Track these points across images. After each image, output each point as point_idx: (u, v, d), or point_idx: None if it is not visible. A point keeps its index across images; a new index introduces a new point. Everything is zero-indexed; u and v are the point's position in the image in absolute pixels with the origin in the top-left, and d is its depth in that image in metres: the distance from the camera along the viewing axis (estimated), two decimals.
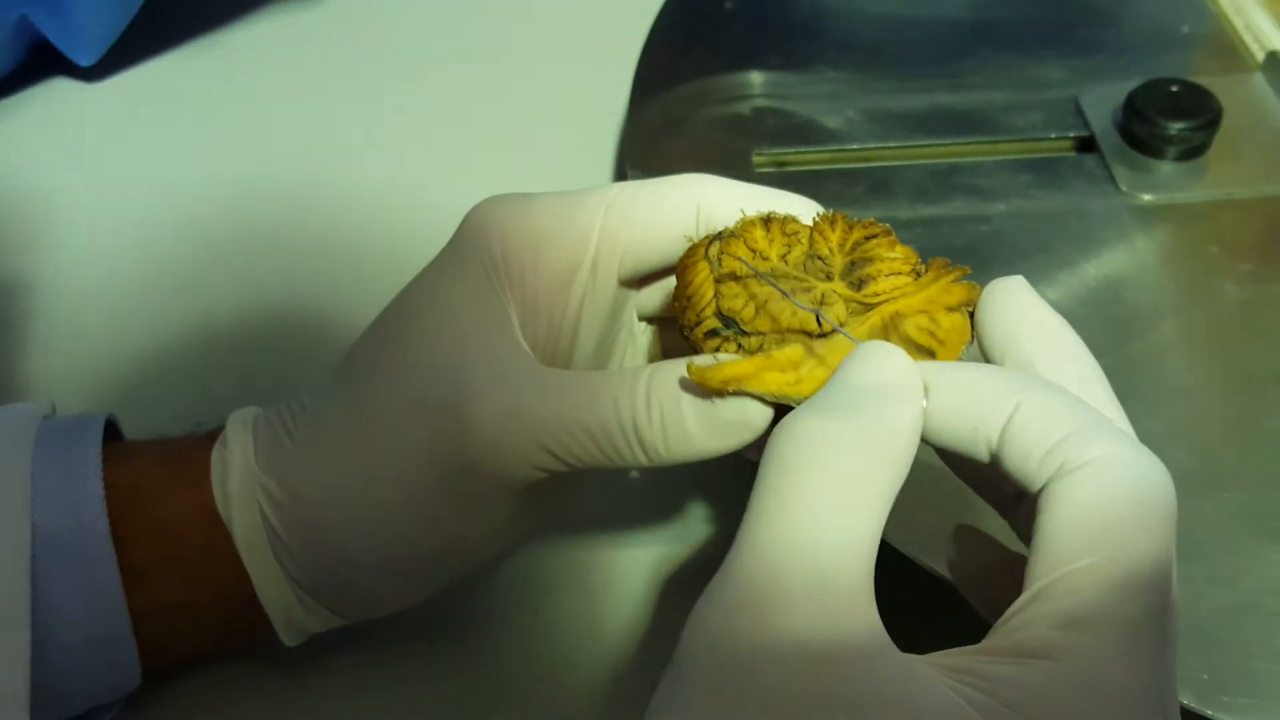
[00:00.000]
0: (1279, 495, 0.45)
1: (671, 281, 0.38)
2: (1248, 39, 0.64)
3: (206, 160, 0.68)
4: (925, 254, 0.37)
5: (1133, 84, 0.59)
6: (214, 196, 0.65)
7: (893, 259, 0.35)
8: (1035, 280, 0.52)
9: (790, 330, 0.34)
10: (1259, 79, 0.61)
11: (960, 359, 0.34)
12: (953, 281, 0.35)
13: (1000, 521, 0.37)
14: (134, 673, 0.41)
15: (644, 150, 0.60)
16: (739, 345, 0.35)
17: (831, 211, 0.37)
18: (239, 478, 0.40)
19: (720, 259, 0.36)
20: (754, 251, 0.36)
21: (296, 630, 0.42)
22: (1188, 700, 0.40)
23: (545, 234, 0.39)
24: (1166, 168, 0.58)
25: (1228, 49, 0.65)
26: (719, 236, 0.37)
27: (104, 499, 0.40)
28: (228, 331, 0.59)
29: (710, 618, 0.29)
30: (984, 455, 0.32)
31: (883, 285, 0.35)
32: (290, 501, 0.39)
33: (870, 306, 0.35)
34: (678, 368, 0.35)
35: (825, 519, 0.29)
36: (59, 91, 0.72)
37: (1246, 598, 0.42)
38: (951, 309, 0.35)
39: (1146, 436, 0.32)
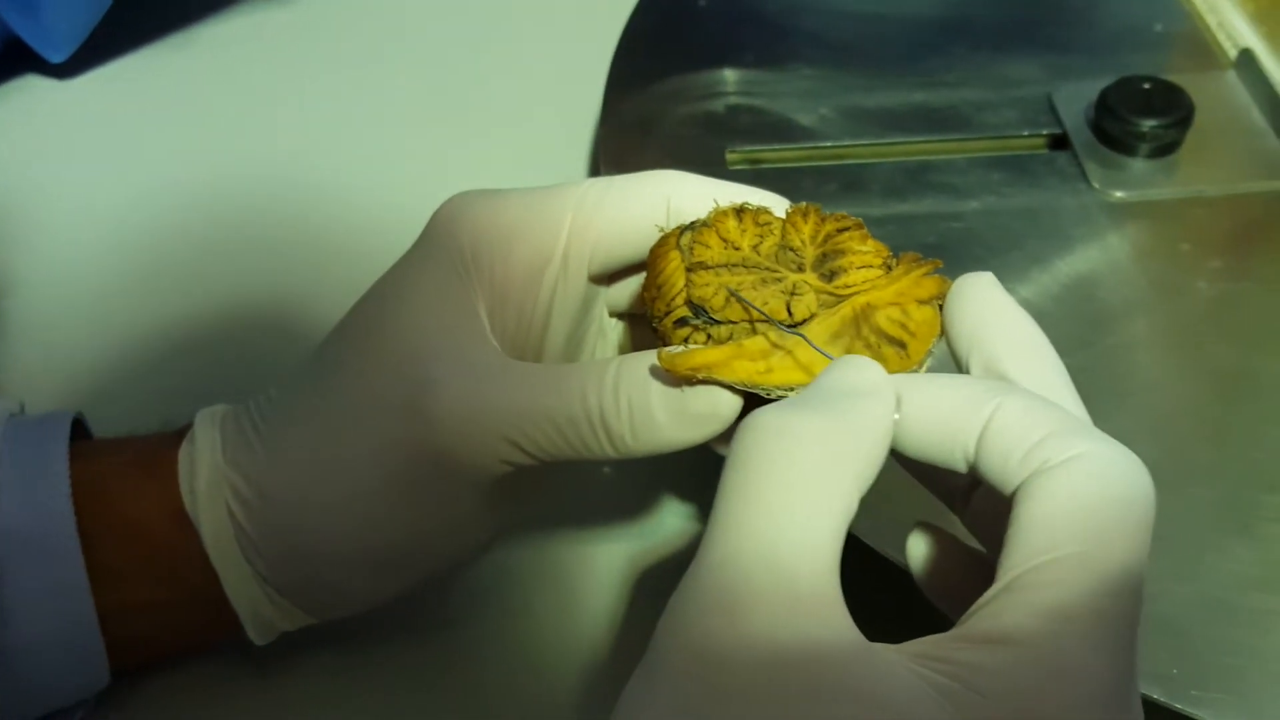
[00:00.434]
0: (1247, 491, 0.45)
1: (641, 277, 0.38)
2: (1220, 37, 0.65)
3: (180, 157, 0.68)
4: (898, 251, 0.37)
5: (1106, 82, 0.59)
6: (187, 193, 0.65)
7: (864, 252, 0.35)
8: (1007, 277, 0.52)
9: (759, 320, 0.34)
10: (1231, 76, 0.62)
11: (930, 352, 0.34)
12: (924, 275, 0.35)
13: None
14: (102, 672, 0.41)
15: (618, 148, 0.60)
16: (708, 335, 0.35)
17: (804, 204, 0.37)
18: (206, 475, 0.40)
19: (692, 248, 0.36)
20: (726, 241, 0.36)
21: (266, 629, 0.42)
22: (1157, 695, 0.40)
23: (516, 229, 0.39)
24: (1139, 165, 0.58)
25: (1201, 47, 0.65)
26: (691, 226, 0.37)
27: (70, 497, 0.39)
28: (201, 329, 0.59)
29: (682, 615, 0.28)
30: (961, 465, 0.32)
31: (854, 277, 0.35)
32: (257, 499, 0.39)
33: (841, 298, 0.35)
34: (647, 359, 0.35)
35: (791, 514, 0.29)
36: (30, 89, 0.72)
37: (1215, 593, 0.42)
38: (923, 302, 0.35)
39: (1116, 432, 0.32)
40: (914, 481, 0.38)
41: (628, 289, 0.42)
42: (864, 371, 0.32)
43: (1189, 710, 0.40)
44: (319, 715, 0.46)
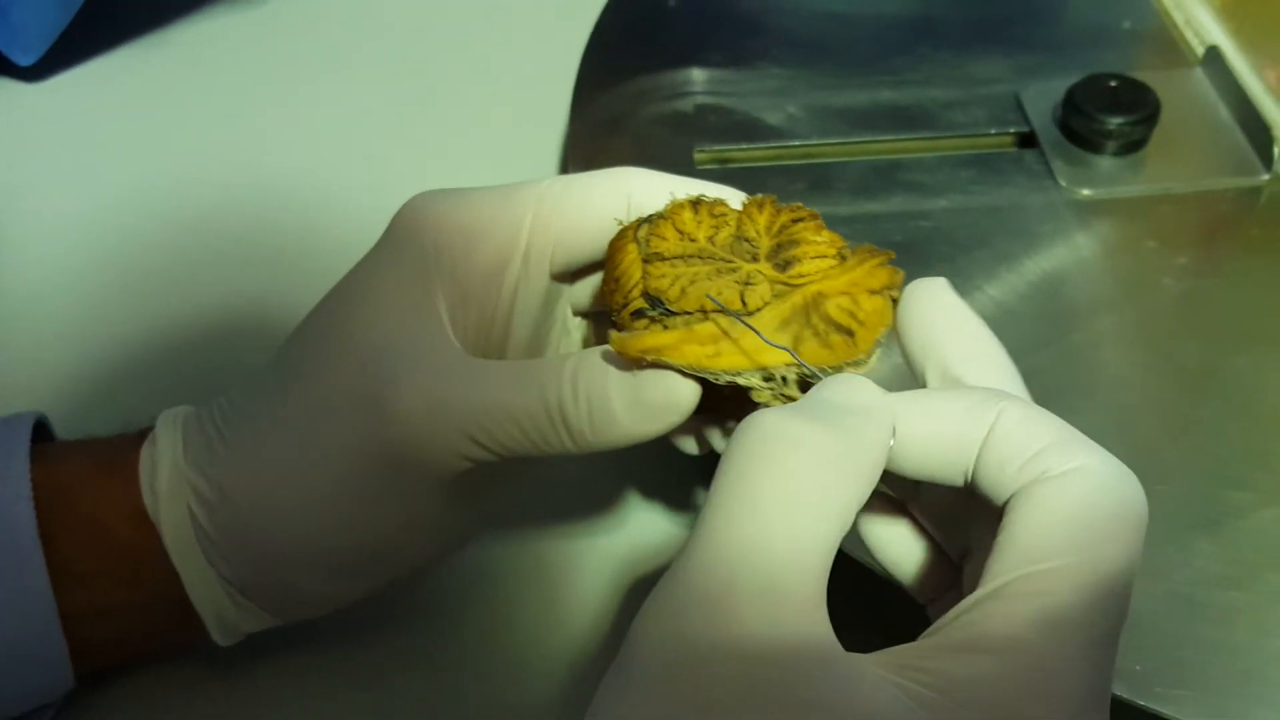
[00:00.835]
0: (1212, 488, 0.45)
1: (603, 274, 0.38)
2: (1188, 34, 0.65)
3: (151, 160, 0.67)
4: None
5: (1073, 80, 0.59)
6: (158, 196, 0.65)
7: (818, 242, 0.36)
8: (975, 275, 0.53)
9: (714, 310, 0.35)
10: (1198, 73, 0.62)
11: (878, 341, 0.34)
12: (877, 265, 0.35)
13: None
14: (66, 675, 0.41)
15: (587, 148, 0.60)
16: (664, 326, 0.35)
17: (761, 195, 0.37)
18: (167, 476, 0.40)
19: (649, 240, 0.36)
20: (682, 233, 0.36)
21: (230, 630, 0.42)
22: (1121, 692, 0.40)
23: (477, 227, 0.39)
24: (1106, 163, 0.58)
25: (1168, 44, 0.65)
26: (649, 219, 0.37)
27: (31, 500, 0.39)
28: (173, 332, 0.58)
29: (660, 615, 0.28)
30: (959, 481, 0.32)
31: (807, 267, 0.35)
32: (218, 499, 0.39)
33: (795, 287, 0.35)
34: (606, 350, 0.35)
35: (786, 523, 0.28)
36: None
37: (1179, 589, 0.42)
38: (874, 292, 0.35)
39: (1082, 428, 0.32)
40: None
41: (590, 286, 0.42)
42: (862, 390, 0.32)
43: (1153, 707, 0.40)
44: (288, 716, 0.46)
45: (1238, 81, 0.60)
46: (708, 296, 0.34)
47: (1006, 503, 0.31)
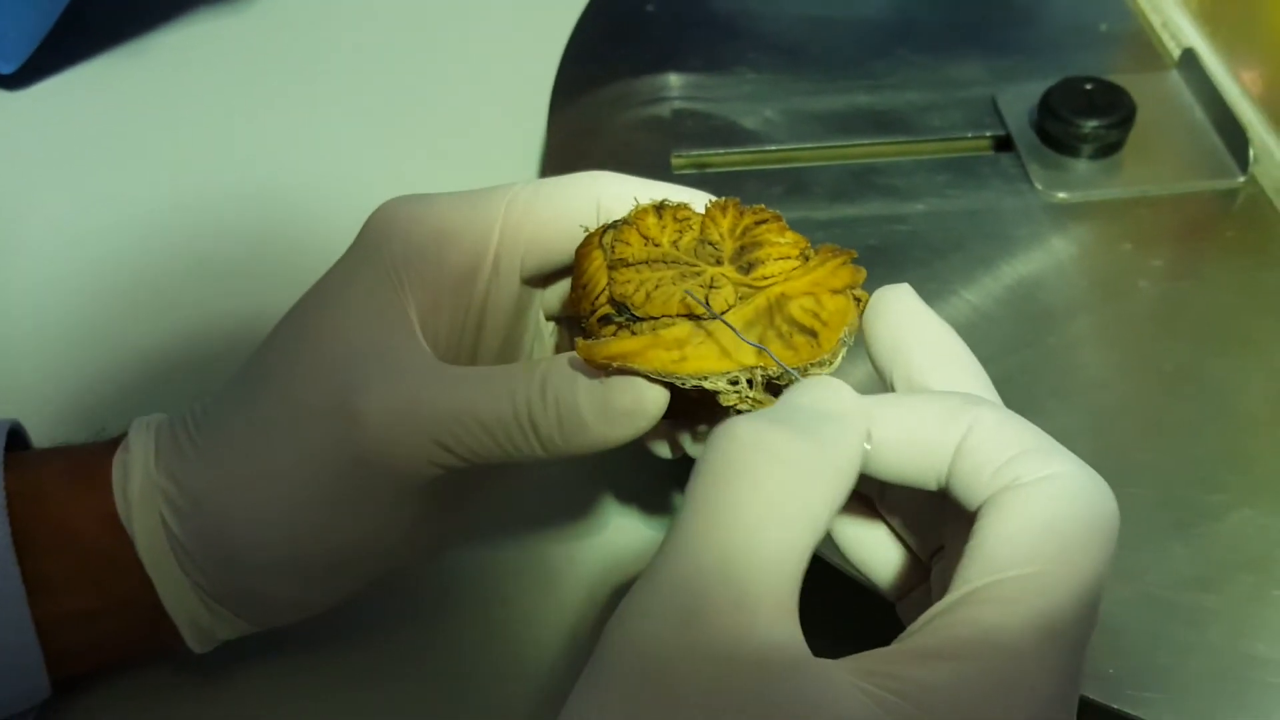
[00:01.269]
0: (1187, 490, 0.45)
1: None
2: (1164, 36, 0.65)
3: (132, 166, 0.67)
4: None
5: (1050, 83, 0.59)
6: (141, 202, 0.65)
7: (782, 244, 0.36)
8: (951, 279, 0.53)
9: (680, 315, 0.35)
10: (1174, 76, 0.62)
11: (841, 339, 0.35)
12: (839, 265, 0.35)
13: None
14: (41, 682, 0.41)
15: (565, 153, 0.60)
16: (632, 331, 0.35)
17: (724, 198, 0.37)
18: (139, 483, 0.40)
19: (613, 246, 0.36)
20: (646, 238, 0.36)
21: (205, 637, 0.42)
22: (1094, 695, 0.40)
23: (447, 232, 0.39)
24: (1082, 166, 0.58)
25: (1145, 47, 0.65)
26: (614, 225, 0.37)
27: (4, 507, 0.39)
28: (150, 339, 0.58)
29: (634, 620, 0.28)
30: (933, 485, 0.32)
31: (771, 269, 0.35)
32: (189, 506, 0.39)
33: (759, 289, 0.35)
34: (573, 357, 0.35)
35: (758, 531, 0.28)
36: None
37: (1152, 591, 0.43)
38: (837, 291, 0.35)
39: (1056, 430, 0.32)
40: None
41: (562, 291, 0.42)
42: (837, 394, 0.32)
43: (1126, 709, 0.40)
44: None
45: (1213, 84, 0.60)
46: (687, 294, 0.34)
47: (979, 508, 0.31)
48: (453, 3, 0.77)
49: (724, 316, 0.34)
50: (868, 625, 0.36)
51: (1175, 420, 0.48)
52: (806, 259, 0.36)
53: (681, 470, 0.47)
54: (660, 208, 0.37)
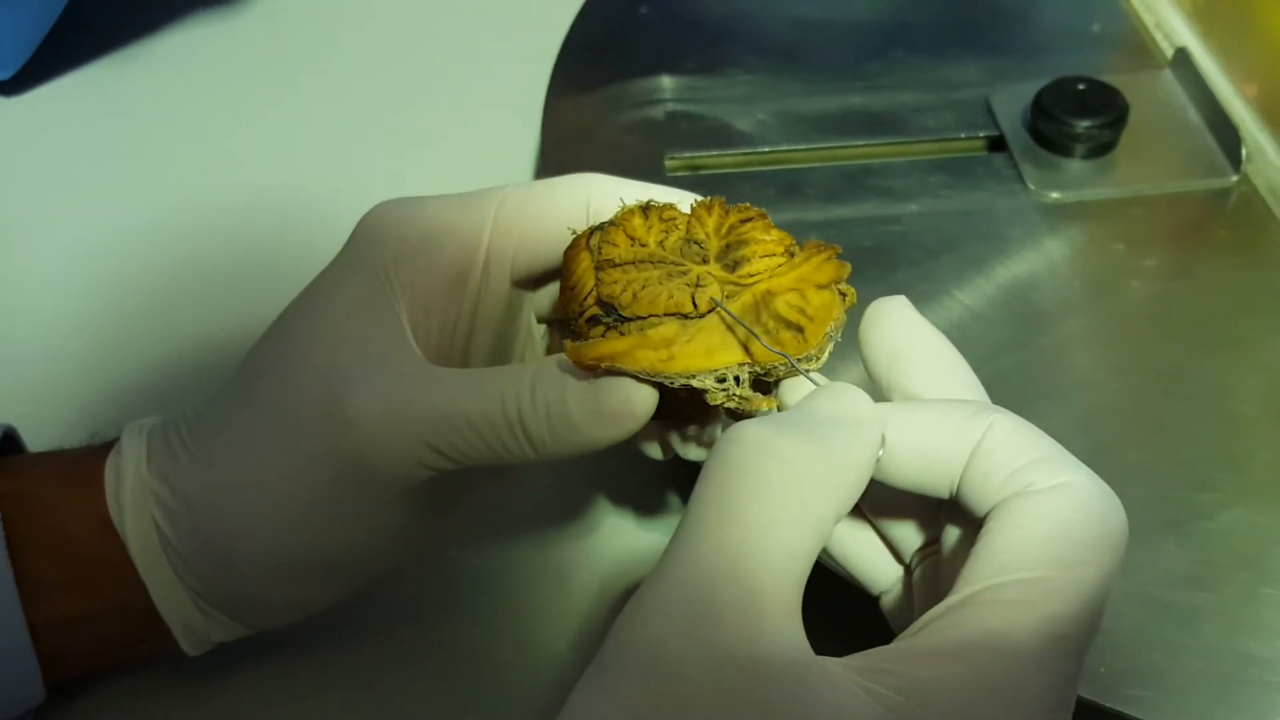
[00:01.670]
0: (1180, 489, 0.45)
1: None
2: (1158, 36, 0.65)
3: (129, 170, 0.67)
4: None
5: (1043, 83, 0.59)
6: (137, 206, 0.65)
7: (767, 241, 0.36)
8: (944, 280, 0.53)
9: (667, 314, 0.35)
10: (1167, 76, 0.62)
11: (828, 334, 0.35)
12: (824, 260, 0.35)
13: None
14: (36, 686, 0.41)
15: (559, 156, 0.60)
16: (620, 332, 0.35)
17: (710, 198, 0.37)
18: (132, 486, 0.40)
19: (600, 248, 0.36)
20: (633, 239, 0.36)
21: (199, 640, 0.42)
22: (1087, 694, 0.40)
23: (437, 235, 0.39)
24: (1075, 166, 0.58)
25: (1138, 47, 0.65)
26: (600, 227, 0.37)
27: None
28: (147, 343, 0.58)
29: (639, 620, 0.29)
30: (945, 493, 0.32)
31: (757, 266, 0.35)
32: (181, 508, 0.39)
33: (744, 287, 0.35)
34: (562, 359, 0.35)
35: (763, 534, 0.29)
36: None
37: (1146, 590, 0.43)
38: (822, 286, 0.35)
39: (1050, 430, 0.32)
40: None
41: (553, 293, 0.42)
42: (852, 401, 0.32)
43: (1119, 708, 0.40)
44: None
45: (1206, 83, 0.60)
46: (692, 294, 0.34)
47: (988, 513, 0.31)
48: (447, 6, 0.77)
49: (711, 313, 0.34)
50: (863, 623, 0.36)
51: (1168, 420, 0.48)
52: (792, 255, 0.36)
53: (675, 471, 0.48)
54: (646, 208, 0.37)
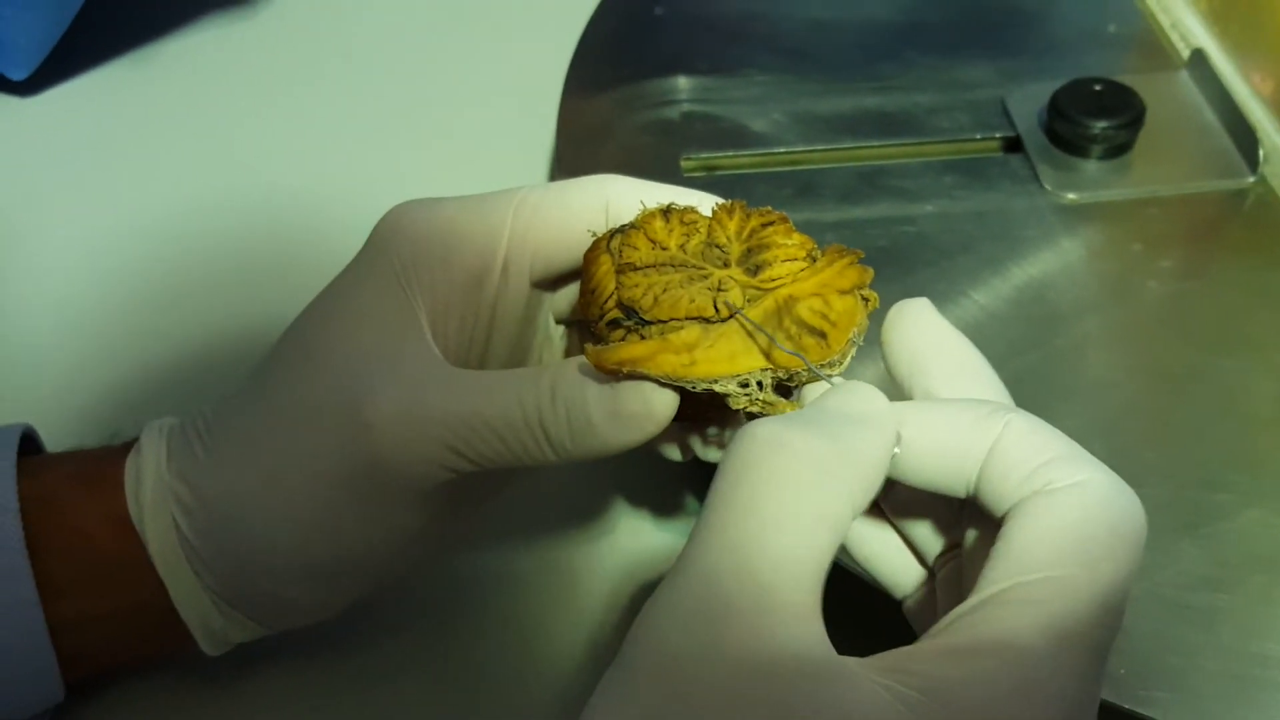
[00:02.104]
0: (1196, 490, 0.45)
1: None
2: (1174, 37, 0.65)
3: (143, 172, 0.68)
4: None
5: (1059, 84, 0.59)
6: (151, 207, 0.65)
7: (788, 245, 0.36)
8: (960, 280, 0.53)
9: (689, 318, 0.35)
10: (1184, 76, 0.62)
11: (850, 340, 0.35)
12: (847, 265, 0.35)
13: None
14: (56, 687, 0.41)
15: (574, 157, 0.60)
16: (641, 335, 0.36)
17: (731, 201, 0.37)
18: (151, 485, 0.40)
19: (621, 251, 0.36)
20: (654, 242, 0.36)
21: (218, 640, 0.42)
22: (1105, 695, 0.40)
23: (455, 236, 0.39)
24: (1091, 166, 0.58)
25: (1154, 47, 0.65)
26: (621, 230, 0.37)
27: (18, 512, 0.39)
28: (163, 345, 0.59)
29: (656, 622, 0.29)
30: (962, 491, 0.32)
31: (778, 270, 0.35)
32: (200, 508, 0.39)
33: (766, 291, 0.35)
34: (583, 362, 0.35)
35: (779, 530, 0.29)
36: None
37: (1163, 592, 0.42)
38: (844, 292, 0.35)
39: (1066, 431, 0.32)
40: None
41: (571, 294, 0.42)
42: (867, 399, 0.32)
43: (1137, 710, 0.40)
44: None
45: (1223, 84, 0.60)
46: (717, 297, 0.35)
47: (1006, 513, 0.31)
48: (462, 7, 0.77)
49: (733, 318, 0.34)
50: (894, 629, 0.36)
51: (1184, 420, 0.48)
52: (814, 260, 0.36)
53: (693, 472, 0.48)
54: (667, 211, 0.37)
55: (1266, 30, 0.61)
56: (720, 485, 0.30)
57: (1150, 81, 0.60)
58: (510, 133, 0.68)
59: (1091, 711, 0.30)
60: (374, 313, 0.39)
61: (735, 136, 0.60)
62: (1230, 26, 0.63)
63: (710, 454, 0.41)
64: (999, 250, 0.55)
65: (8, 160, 0.69)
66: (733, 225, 0.37)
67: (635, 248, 0.36)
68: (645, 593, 0.48)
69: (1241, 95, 0.60)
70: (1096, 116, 0.57)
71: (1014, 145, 0.60)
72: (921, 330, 0.35)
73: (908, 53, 0.64)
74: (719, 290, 0.35)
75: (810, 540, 0.29)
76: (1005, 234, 0.55)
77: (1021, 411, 0.32)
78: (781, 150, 0.60)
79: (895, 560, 0.37)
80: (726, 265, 0.36)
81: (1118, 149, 0.58)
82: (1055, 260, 0.54)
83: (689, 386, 0.34)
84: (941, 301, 0.51)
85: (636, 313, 0.35)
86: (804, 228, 0.37)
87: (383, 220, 0.41)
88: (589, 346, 0.35)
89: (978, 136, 0.60)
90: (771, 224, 0.36)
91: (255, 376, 0.40)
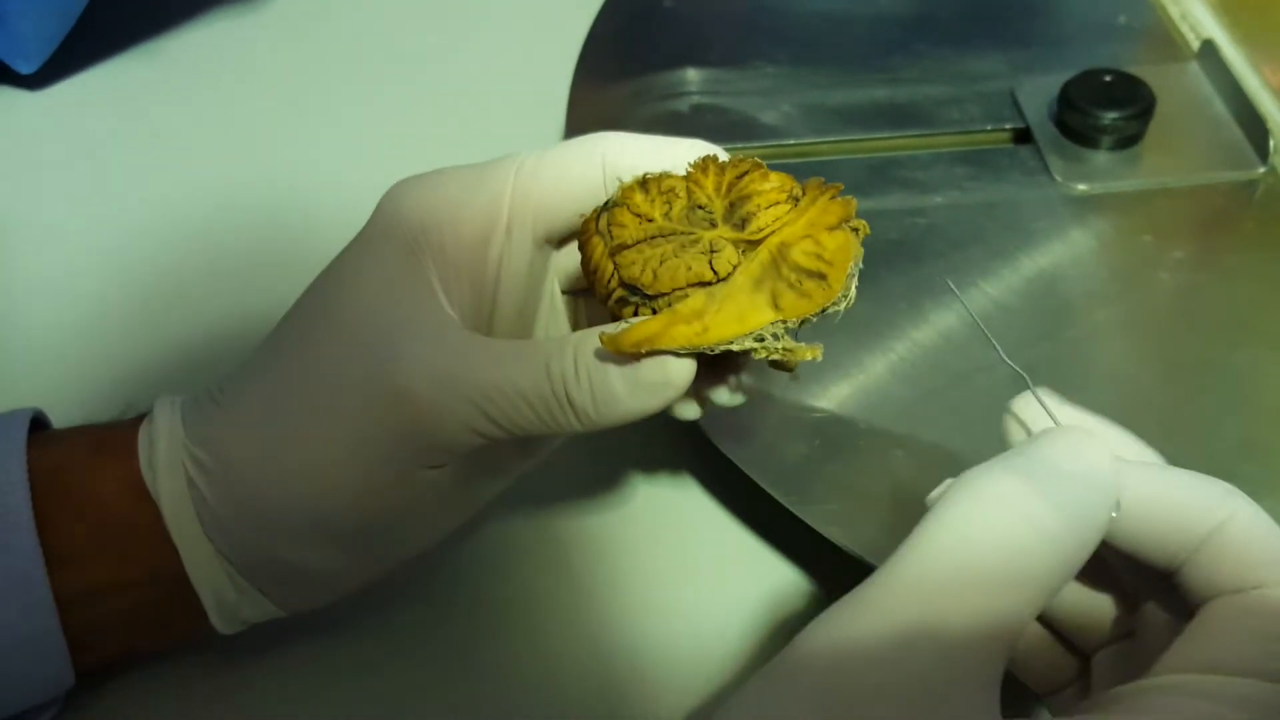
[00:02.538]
0: None
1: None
2: (1184, 28, 0.65)
3: (150, 165, 0.68)
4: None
5: (1069, 75, 0.59)
6: (158, 201, 0.65)
7: (768, 190, 0.36)
8: (970, 272, 0.53)
9: (690, 285, 0.35)
10: (1194, 67, 0.62)
11: (850, 275, 0.35)
12: (830, 201, 0.36)
13: None
14: (65, 668, 0.40)
15: None
16: (653, 310, 0.36)
17: (702, 158, 0.38)
18: (165, 449, 0.40)
19: (610, 231, 0.37)
20: (639, 216, 0.37)
21: (230, 616, 0.41)
22: None
23: (461, 201, 0.40)
24: (1101, 158, 0.58)
25: (1164, 38, 0.65)
26: (605, 208, 0.37)
27: (27, 485, 0.39)
28: (170, 338, 0.59)
29: (826, 642, 0.28)
30: (1164, 564, 0.32)
31: (764, 219, 0.35)
32: (218, 466, 0.39)
33: (757, 242, 0.35)
34: (601, 349, 0.36)
35: (985, 596, 0.28)
36: (0, 100, 0.71)
37: None
38: (833, 228, 0.35)
39: None
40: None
41: (574, 259, 0.42)
42: (1088, 452, 0.31)
43: None
44: (292, 713, 0.46)
45: (1233, 75, 0.60)
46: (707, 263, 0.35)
47: (1206, 602, 0.30)
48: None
49: (732, 275, 0.35)
50: None
51: (1195, 411, 0.48)
52: (796, 200, 0.36)
53: (707, 444, 0.47)
54: (644, 183, 0.37)
55: (1276, 21, 0.61)
56: (930, 527, 0.29)
57: (1160, 72, 0.60)
58: (519, 126, 0.68)
59: None
60: (390, 277, 0.39)
61: (745, 128, 0.60)
62: (1240, 17, 0.63)
63: (736, 399, 0.41)
64: (1009, 241, 0.55)
65: (16, 153, 0.69)
66: (710, 183, 0.37)
67: (623, 225, 0.37)
68: (651, 578, 0.48)
69: (1252, 86, 0.60)
70: (1107, 108, 0.57)
71: (1024, 136, 0.60)
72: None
73: (918, 44, 0.64)
74: (713, 252, 0.35)
75: (1015, 610, 0.29)
76: (1016, 225, 0.55)
77: (1247, 499, 0.32)
78: (791, 142, 0.60)
79: (1043, 651, 0.36)
80: (714, 225, 0.36)
81: (1128, 140, 0.58)
82: (1066, 251, 0.54)
83: (708, 351, 0.35)
84: (952, 293, 0.52)
85: (640, 289, 0.36)
86: None
87: (387, 194, 0.41)
88: (603, 335, 0.35)
89: (988, 128, 0.60)
90: (746, 173, 0.37)
91: (271, 342, 0.40)
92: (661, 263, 0.35)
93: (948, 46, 0.64)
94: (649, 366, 0.35)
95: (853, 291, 0.35)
